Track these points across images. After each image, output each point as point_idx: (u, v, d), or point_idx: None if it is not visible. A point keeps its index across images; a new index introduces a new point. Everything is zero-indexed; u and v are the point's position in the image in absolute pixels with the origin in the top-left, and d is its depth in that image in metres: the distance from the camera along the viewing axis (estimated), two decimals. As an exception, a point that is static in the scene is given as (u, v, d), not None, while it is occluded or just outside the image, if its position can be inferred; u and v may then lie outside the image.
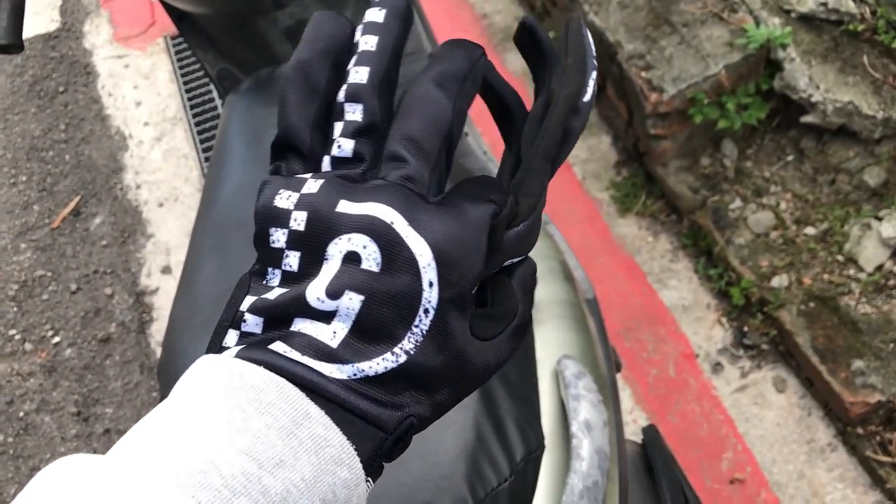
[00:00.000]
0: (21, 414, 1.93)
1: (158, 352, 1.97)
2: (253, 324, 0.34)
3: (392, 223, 0.33)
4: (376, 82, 0.37)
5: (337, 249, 0.33)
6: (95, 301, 2.09)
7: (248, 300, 0.34)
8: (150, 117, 2.42)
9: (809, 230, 1.70)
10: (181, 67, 2.48)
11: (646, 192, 1.96)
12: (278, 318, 0.34)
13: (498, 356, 0.36)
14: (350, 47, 0.39)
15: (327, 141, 0.37)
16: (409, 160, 0.35)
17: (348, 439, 0.32)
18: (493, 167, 1.62)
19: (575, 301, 1.00)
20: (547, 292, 0.95)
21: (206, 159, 2.24)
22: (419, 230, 0.34)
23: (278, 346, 0.33)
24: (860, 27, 1.66)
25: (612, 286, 1.87)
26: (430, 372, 0.34)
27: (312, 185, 0.34)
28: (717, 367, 1.73)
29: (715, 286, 1.80)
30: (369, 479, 0.34)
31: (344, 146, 0.36)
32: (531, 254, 0.88)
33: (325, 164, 0.37)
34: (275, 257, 0.35)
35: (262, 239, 0.35)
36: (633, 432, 1.65)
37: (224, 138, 1.12)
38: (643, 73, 1.75)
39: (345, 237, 0.33)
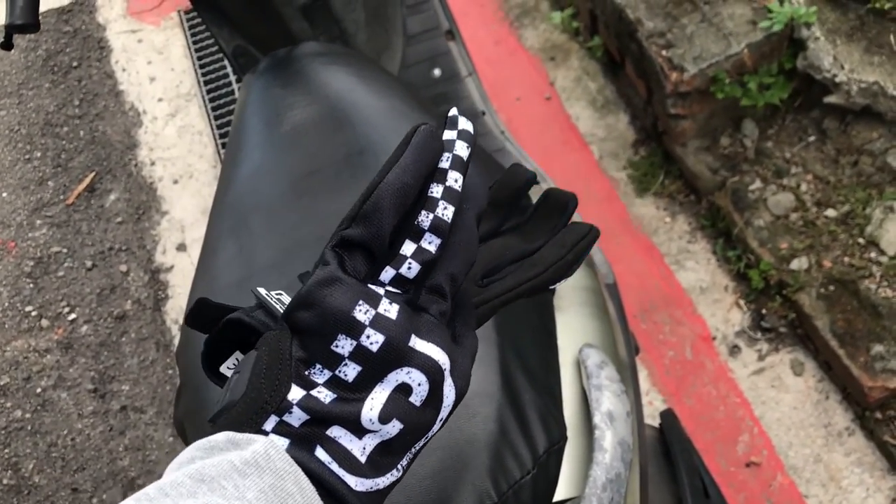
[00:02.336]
0: (38, 390, 1.94)
1: (174, 329, 1.98)
2: (296, 417, 0.37)
3: (444, 369, 0.39)
4: (453, 220, 0.41)
5: (395, 377, 0.37)
6: (111, 278, 2.09)
7: (297, 392, 0.37)
8: (164, 93, 2.41)
9: (830, 212, 1.68)
10: (195, 43, 2.46)
11: (664, 172, 1.94)
12: (321, 421, 0.37)
13: None
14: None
15: (392, 248, 0.41)
16: (447, 296, 0.41)
17: None
18: (511, 147, 1.61)
19: (596, 287, 0.99)
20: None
21: (221, 136, 2.23)
22: (454, 375, 0.40)
23: (321, 455, 0.36)
24: (887, 5, 1.63)
25: (630, 267, 1.85)
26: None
27: (389, 309, 0.38)
28: (734, 350, 1.72)
29: (733, 268, 1.78)
30: None
31: (413, 269, 0.40)
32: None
33: (387, 275, 0.40)
34: (331, 360, 0.38)
35: (324, 338, 0.37)
36: (649, 415, 1.64)
37: (241, 119, 1.11)
38: (664, 52, 1.73)
39: (405, 370, 0.38)
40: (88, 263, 2.12)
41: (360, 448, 0.37)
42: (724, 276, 1.81)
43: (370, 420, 0.36)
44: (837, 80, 1.61)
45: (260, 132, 1.07)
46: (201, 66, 2.40)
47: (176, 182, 2.23)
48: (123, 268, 2.10)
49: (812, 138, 1.75)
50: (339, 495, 0.36)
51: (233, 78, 2.34)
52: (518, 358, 0.74)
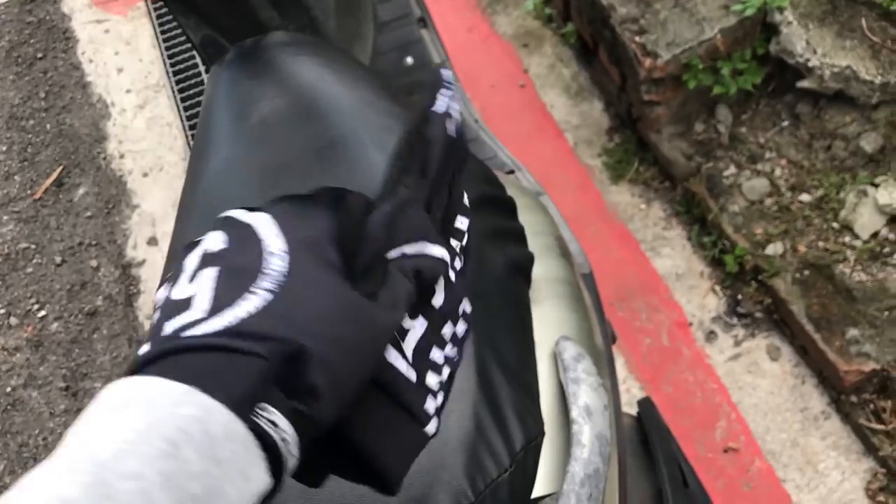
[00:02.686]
0: (8, 389, 1.91)
1: (147, 325, 1.95)
2: None
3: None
4: None
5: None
6: (81, 274, 2.05)
7: None
8: (132, 84, 2.37)
9: (804, 197, 1.68)
10: (163, 33, 2.41)
11: (639, 159, 1.94)
12: None
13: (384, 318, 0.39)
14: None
15: None
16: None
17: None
18: (485, 136, 1.59)
19: (571, 278, 0.98)
20: (543, 270, 0.93)
21: (191, 128, 2.19)
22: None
23: None
24: (858, -11, 1.63)
25: (605, 255, 1.85)
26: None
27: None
28: (710, 336, 1.72)
29: (708, 254, 1.78)
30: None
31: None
32: (528, 231, 0.83)
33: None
34: None
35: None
36: (627, 402, 1.64)
37: (209, 112, 1.08)
38: (637, 38, 1.72)
39: None
40: (58, 259, 2.08)
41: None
42: (699, 262, 1.81)
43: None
44: (810, 64, 1.61)
45: (227, 125, 1.04)
46: (170, 57, 2.36)
47: (146, 175, 2.20)
48: (94, 263, 2.06)
49: (785, 123, 1.75)
50: None
51: (202, 68, 2.30)
52: (494, 353, 0.73)
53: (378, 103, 1.00)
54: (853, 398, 1.55)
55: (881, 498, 1.49)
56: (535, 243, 0.95)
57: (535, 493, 0.73)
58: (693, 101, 1.80)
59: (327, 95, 1.01)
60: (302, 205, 0.42)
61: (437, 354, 0.45)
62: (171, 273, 0.39)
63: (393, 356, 0.41)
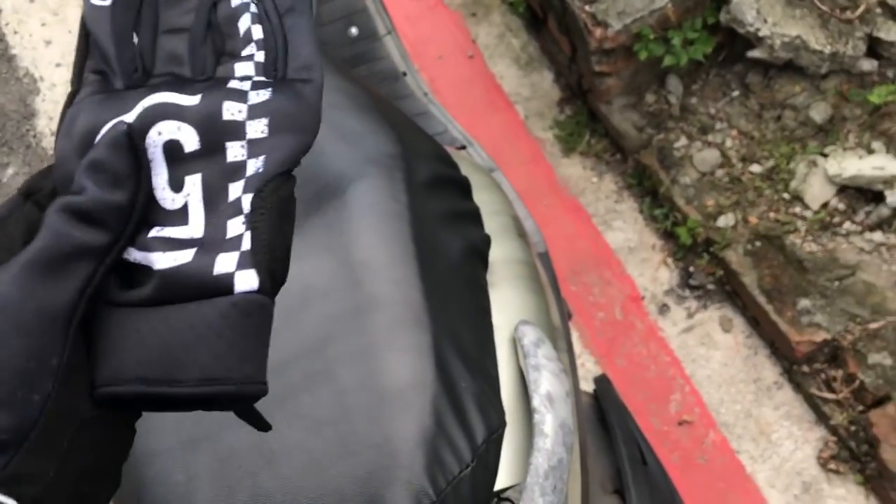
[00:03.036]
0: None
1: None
2: None
3: None
4: None
5: None
6: (13, 258, 1.96)
7: None
8: (62, 58, 2.25)
9: (755, 168, 1.68)
10: (93, 3, 2.30)
11: (590, 131, 1.91)
12: None
13: None
14: None
15: None
16: None
17: None
18: (435, 110, 1.54)
19: (529, 259, 0.95)
20: (500, 251, 0.90)
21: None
22: None
23: None
24: (807, -43, 1.62)
25: (558, 229, 1.82)
26: None
27: None
28: (663, 309, 1.72)
29: (661, 226, 1.77)
30: None
31: None
32: (484, 210, 0.79)
33: None
34: None
35: None
36: (582, 377, 1.62)
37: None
38: (587, 7, 1.68)
39: None
40: (-13, 243, 1.98)
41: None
42: (651, 234, 1.80)
43: None
44: (760, 34, 1.59)
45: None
46: (101, 28, 2.25)
47: (79, 153, 2.10)
48: (26, 247, 1.97)
49: (736, 93, 1.74)
50: None
51: (136, 39, 2.20)
52: (453, 342, 0.69)
53: (330, 79, 0.94)
54: (805, 368, 1.56)
55: (833, 466, 1.51)
56: (491, 223, 0.92)
57: (498, 485, 0.70)
58: (644, 71, 1.77)
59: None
60: None
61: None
62: None
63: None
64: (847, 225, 1.57)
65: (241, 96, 0.33)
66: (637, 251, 1.78)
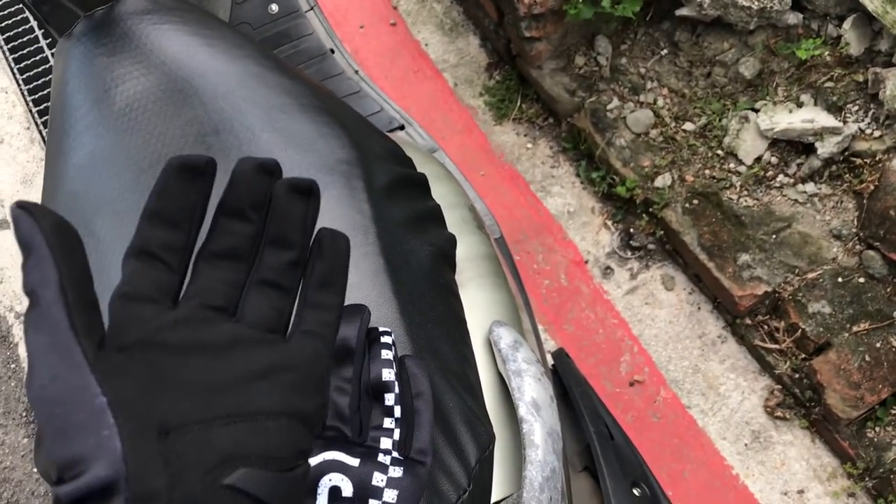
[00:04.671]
0: None
1: (9, 318, 1.77)
2: None
3: None
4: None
5: None
6: (-78, 268, 1.83)
7: None
8: (-47, 47, 2.09)
9: (688, 126, 1.69)
10: (-18, -15, 2.14)
11: (521, 96, 1.89)
12: None
13: None
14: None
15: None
16: None
17: None
18: (367, 88, 1.49)
19: (491, 252, 0.93)
20: (464, 248, 0.87)
21: (31, 92, 1.97)
22: None
23: None
24: (728, -89, 1.61)
25: (497, 198, 1.81)
26: None
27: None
28: (606, 272, 1.73)
29: (598, 189, 1.77)
30: None
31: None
32: (441, 203, 0.75)
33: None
34: None
35: None
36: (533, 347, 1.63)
37: (62, 96, 0.94)
38: (513, -29, 1.64)
39: None
40: None
41: None
42: (590, 198, 1.80)
43: None
44: (687, -9, 1.59)
45: (88, 111, 0.91)
46: (-6, 13, 2.09)
47: (-16, 150, 1.97)
48: (-65, 255, 1.84)
49: (665, 52, 1.74)
50: None
51: (35, 24, 2.06)
52: (434, 359, 0.67)
53: (264, 76, 0.89)
54: (747, 321, 1.60)
55: (779, 413, 1.56)
56: (450, 218, 0.89)
57: (493, 498, 0.68)
58: (573, 33, 1.76)
59: (202, 72, 0.90)
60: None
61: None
62: None
63: None
64: (780, 178, 1.60)
65: (384, 469, 0.44)
66: (577, 215, 1.78)
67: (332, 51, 1.55)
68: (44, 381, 0.28)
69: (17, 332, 1.76)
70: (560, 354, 1.28)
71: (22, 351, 1.74)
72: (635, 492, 1.04)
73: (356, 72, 1.51)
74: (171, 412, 0.30)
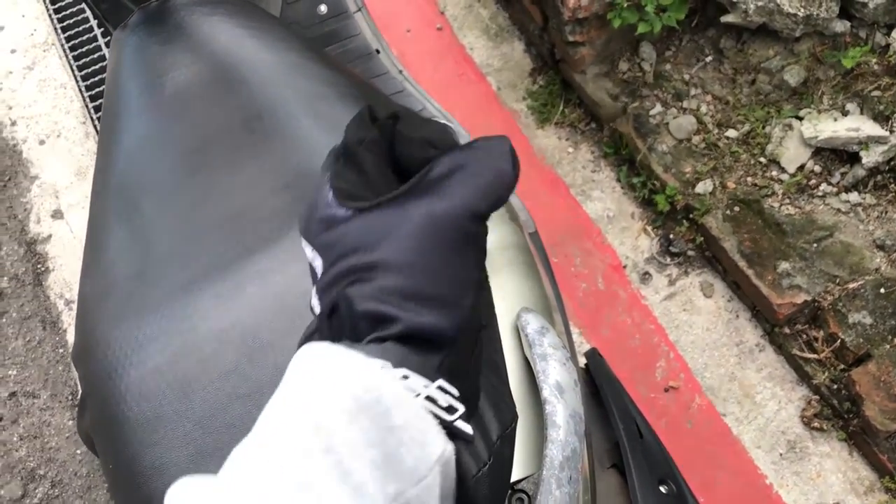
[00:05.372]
0: (-88, 385, 1.77)
1: (59, 304, 1.83)
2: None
3: None
4: None
5: None
6: (-19, 254, 1.91)
7: None
8: (16, 43, 2.18)
9: (731, 133, 1.68)
10: (46, -15, 2.22)
11: (563, 101, 1.90)
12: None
13: None
14: None
15: None
16: None
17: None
18: (411, 88, 1.52)
19: (523, 243, 0.94)
20: (496, 237, 0.89)
21: (88, 88, 2.04)
22: None
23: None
24: (777, -81, 1.61)
25: (537, 201, 1.82)
26: None
27: None
28: (645, 277, 1.73)
29: (639, 195, 1.77)
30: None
31: None
32: None
33: None
34: None
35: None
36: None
37: (116, 83, 0.98)
38: (558, -24, 1.66)
39: None
40: (-48, 240, 1.92)
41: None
42: (630, 203, 1.80)
43: None
44: (733, -2, 1.59)
45: (139, 98, 0.95)
46: (56, 11, 2.18)
47: (42, 143, 2.04)
48: (-6, 242, 1.92)
49: (709, 59, 1.74)
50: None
51: (94, 23, 2.13)
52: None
53: (306, 67, 0.92)
54: (786, 329, 1.58)
55: (816, 424, 1.54)
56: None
57: (513, 477, 0.70)
58: (617, 39, 1.76)
59: (249, 61, 0.93)
60: None
61: None
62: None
63: None
64: (823, 187, 1.59)
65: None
66: (616, 220, 1.79)
67: (378, 51, 1.58)
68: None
69: (67, 318, 1.82)
70: (593, 354, 1.29)
71: (70, 337, 1.80)
72: (662, 489, 1.04)
73: (400, 72, 1.54)
74: None
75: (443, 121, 1.44)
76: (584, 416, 0.95)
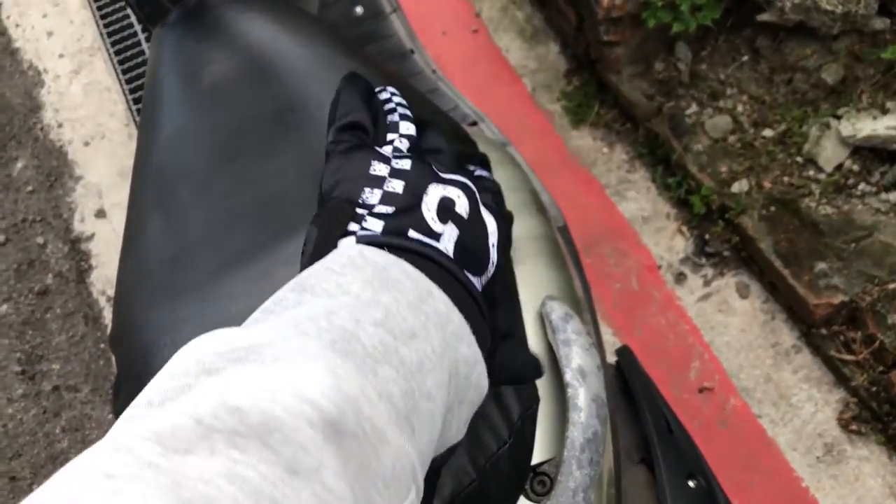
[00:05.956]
0: (-39, 377, 1.83)
1: (101, 301, 1.88)
2: (373, 224, 0.44)
3: (473, 189, 0.53)
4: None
5: (434, 191, 0.46)
6: (28, 252, 1.96)
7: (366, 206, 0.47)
8: (64, 48, 2.25)
9: (767, 132, 1.67)
10: (93, -8, 2.29)
11: (599, 102, 1.90)
12: (396, 230, 0.43)
13: None
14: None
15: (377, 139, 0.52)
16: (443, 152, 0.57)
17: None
18: (444, 87, 1.54)
19: (550, 234, 0.95)
20: (522, 228, 0.89)
21: (132, 92, 2.09)
22: (485, 203, 0.57)
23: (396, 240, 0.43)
24: (815, -84, 1.59)
25: (571, 201, 1.82)
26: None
27: (403, 163, 0.49)
28: (679, 277, 1.72)
29: (674, 195, 1.77)
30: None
31: (402, 146, 0.52)
32: (504, 186, 0.81)
33: (387, 151, 0.50)
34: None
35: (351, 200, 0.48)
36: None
37: (155, 78, 1.01)
38: (593, -24, 1.66)
39: (441, 185, 0.47)
40: (1, 238, 1.98)
41: (442, 247, 0.44)
42: (665, 203, 1.79)
43: (432, 219, 0.44)
44: (769, -4, 1.58)
45: (177, 91, 0.98)
46: (102, 17, 2.24)
47: (87, 144, 2.10)
48: (40, 240, 1.97)
49: (745, 58, 1.73)
50: (428, 254, 0.42)
51: (138, 28, 2.19)
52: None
53: (338, 60, 0.94)
54: (823, 331, 1.56)
55: (854, 427, 1.51)
56: (510, 199, 0.91)
57: (534, 460, 0.70)
58: (652, 39, 1.76)
59: (282, 55, 0.96)
60: None
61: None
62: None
63: None
64: (862, 186, 1.57)
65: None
66: (651, 220, 1.78)
67: (412, 51, 1.60)
68: None
69: (108, 314, 1.87)
70: (624, 350, 1.29)
71: (113, 333, 1.84)
72: (690, 483, 1.03)
73: (434, 71, 1.56)
74: None
75: (474, 118, 1.46)
76: (608, 401, 0.95)
